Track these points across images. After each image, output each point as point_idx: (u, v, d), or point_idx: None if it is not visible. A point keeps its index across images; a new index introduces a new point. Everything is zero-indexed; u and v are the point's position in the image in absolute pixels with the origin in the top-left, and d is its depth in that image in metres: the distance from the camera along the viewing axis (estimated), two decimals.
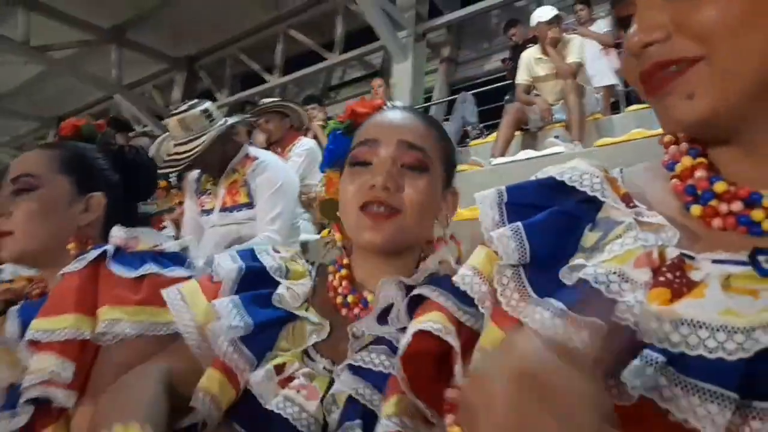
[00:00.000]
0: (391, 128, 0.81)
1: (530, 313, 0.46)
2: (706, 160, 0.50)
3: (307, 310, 0.81)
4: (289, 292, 0.81)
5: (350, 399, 0.68)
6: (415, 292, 0.68)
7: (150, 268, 0.95)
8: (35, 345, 0.87)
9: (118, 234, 1.01)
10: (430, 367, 0.57)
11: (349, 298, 0.82)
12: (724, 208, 0.46)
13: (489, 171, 3.20)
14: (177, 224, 2.63)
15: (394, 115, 0.84)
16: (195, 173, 2.36)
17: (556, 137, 3.59)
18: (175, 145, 2.15)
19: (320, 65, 7.44)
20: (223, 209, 2.23)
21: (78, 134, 1.18)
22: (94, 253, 0.96)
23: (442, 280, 0.67)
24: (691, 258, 0.44)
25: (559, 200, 0.53)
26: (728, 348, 0.38)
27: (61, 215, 1.02)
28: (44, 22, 7.01)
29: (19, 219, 0.99)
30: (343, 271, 0.85)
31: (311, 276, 0.87)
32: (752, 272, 0.41)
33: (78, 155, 1.09)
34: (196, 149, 2.11)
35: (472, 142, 4.64)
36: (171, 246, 1.04)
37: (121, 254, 0.98)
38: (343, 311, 0.82)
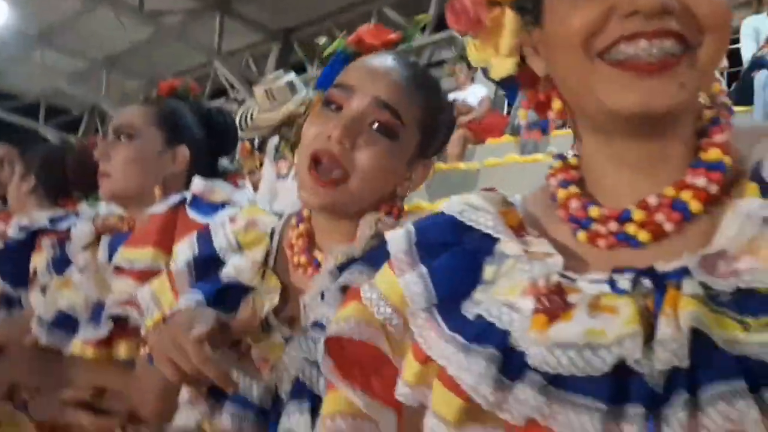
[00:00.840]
0: (371, 79, 0.75)
1: (439, 349, 0.49)
2: (578, 189, 0.52)
3: (263, 276, 0.79)
4: (236, 269, 0.79)
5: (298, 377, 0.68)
6: (341, 281, 0.65)
7: None
8: (119, 270, 1.01)
9: (197, 184, 1.13)
10: (363, 354, 0.56)
11: (302, 259, 0.78)
12: (603, 229, 0.49)
13: None
14: (255, 186, 2.81)
15: (381, 64, 0.77)
16: (275, 139, 2.51)
17: None
18: (259, 113, 2.31)
19: (411, 44, 7.45)
20: None
21: (173, 94, 1.32)
22: (175, 199, 1.09)
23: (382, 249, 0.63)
24: (573, 280, 0.47)
25: (463, 236, 0.55)
26: (594, 364, 0.41)
27: (151, 163, 1.16)
28: None
29: (117, 163, 1.14)
30: (302, 227, 0.80)
31: (272, 236, 0.84)
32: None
33: (171, 112, 1.22)
34: (277, 118, 2.26)
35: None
36: (242, 200, 1.15)
37: (198, 202, 1.10)
38: (300, 272, 0.79)
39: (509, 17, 0.53)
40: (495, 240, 0.53)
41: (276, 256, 0.82)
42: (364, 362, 0.56)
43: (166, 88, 1.32)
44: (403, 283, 0.54)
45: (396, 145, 0.75)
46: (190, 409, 0.77)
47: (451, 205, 0.57)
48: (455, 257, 0.54)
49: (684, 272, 0.43)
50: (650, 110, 0.44)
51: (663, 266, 0.44)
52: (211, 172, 1.23)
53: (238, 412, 0.73)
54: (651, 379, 0.40)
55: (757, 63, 3.76)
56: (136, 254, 1.01)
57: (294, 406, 0.68)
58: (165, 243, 1.03)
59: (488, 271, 0.52)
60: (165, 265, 1.00)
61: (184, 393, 0.78)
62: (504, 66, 0.55)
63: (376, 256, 0.62)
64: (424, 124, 0.78)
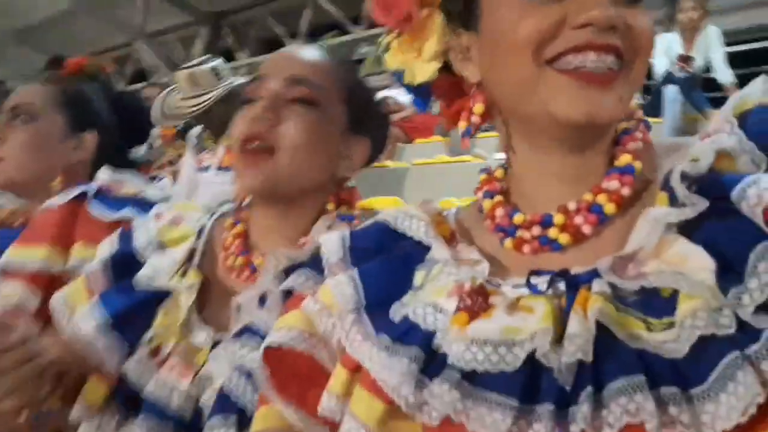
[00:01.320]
0: (281, 63, 0.76)
1: (364, 351, 0.49)
2: (503, 198, 0.54)
3: (184, 274, 0.75)
4: (153, 270, 0.75)
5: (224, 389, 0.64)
6: (284, 286, 0.61)
7: (128, 213, 0.97)
8: (7, 272, 0.90)
9: (104, 175, 1.03)
10: (302, 367, 0.54)
11: (238, 261, 0.75)
12: (527, 235, 0.51)
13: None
14: (175, 177, 2.67)
15: (291, 50, 0.80)
16: (198, 129, 2.40)
17: None
18: (181, 99, 2.18)
19: (344, 38, 7.40)
20: (221, 168, 2.27)
21: (81, 73, 1.20)
22: (76, 191, 0.98)
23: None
24: (498, 285, 0.49)
25: (396, 243, 0.56)
26: (508, 360, 0.43)
27: (52, 150, 1.05)
28: None
29: (11, 147, 1.02)
30: (239, 228, 0.78)
31: (201, 234, 0.80)
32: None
33: (77, 94, 1.11)
34: (200, 106, 2.14)
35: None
36: (154, 194, 1.06)
37: (104, 195, 1.00)
38: (233, 274, 0.76)
39: (438, 20, 0.53)
40: (427, 248, 0.54)
41: (203, 254, 0.78)
42: (303, 375, 0.54)
43: (73, 66, 1.20)
44: (333, 284, 0.54)
45: (321, 114, 0.74)
46: (92, 422, 0.72)
47: (386, 213, 0.58)
48: (387, 263, 0.54)
49: (596, 274, 0.45)
50: (594, 120, 0.46)
51: (577, 269, 0.46)
52: (122, 162, 1.13)
53: (153, 424, 0.68)
54: (560, 376, 0.41)
55: (668, 79, 4.01)
56: (28, 254, 0.90)
57: (218, 420, 0.63)
58: (62, 241, 0.92)
59: (418, 276, 0.53)
60: (62, 265, 0.91)
61: (77, 408, 0.72)
62: (425, 71, 0.54)
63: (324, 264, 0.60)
64: (348, 99, 0.77)
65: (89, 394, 0.72)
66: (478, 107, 0.53)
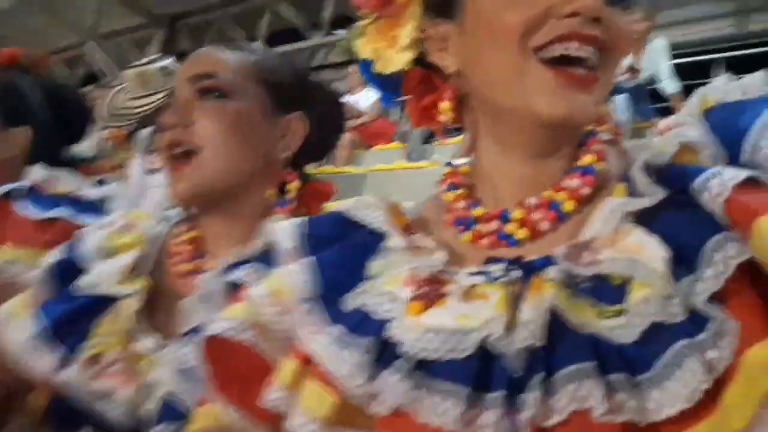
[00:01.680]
0: (184, 68, 0.76)
1: (316, 342, 0.48)
2: (465, 191, 0.54)
3: (132, 281, 0.73)
4: (97, 276, 0.72)
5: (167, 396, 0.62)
6: (230, 278, 0.60)
7: (61, 212, 0.93)
8: None
9: (36, 173, 0.98)
10: (243, 361, 0.53)
11: (188, 267, 0.73)
12: (485, 229, 0.51)
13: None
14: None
15: (193, 54, 0.78)
16: (148, 130, 2.32)
17: None
18: (130, 99, 2.11)
19: (303, 44, 7.37)
20: None
21: (15, 65, 1.14)
22: (5, 189, 0.93)
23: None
24: (453, 275, 0.49)
25: (352, 232, 0.55)
26: (460, 348, 0.43)
27: None
28: None
29: None
30: (191, 234, 0.76)
31: (154, 240, 0.78)
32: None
33: (8, 86, 1.06)
34: (150, 106, 2.07)
35: (438, 142, 4.66)
36: (91, 193, 1.01)
37: (36, 194, 0.95)
38: (183, 280, 0.74)
39: (416, 8, 0.53)
40: (382, 237, 0.53)
41: (157, 261, 0.77)
42: (244, 372, 0.52)
43: (5, 56, 1.13)
44: (286, 272, 0.53)
45: (235, 102, 0.72)
46: None
47: (342, 203, 0.58)
48: (342, 251, 0.54)
49: (550, 261, 0.46)
50: (572, 120, 0.47)
51: (532, 256, 0.47)
52: (58, 159, 1.07)
53: None
54: (512, 363, 0.41)
55: (616, 89, 4.16)
56: None
57: (161, 429, 0.61)
58: None
59: (374, 265, 0.52)
60: None
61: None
62: (399, 60, 0.54)
63: (275, 257, 0.57)
64: (266, 80, 0.75)
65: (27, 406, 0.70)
66: (445, 105, 0.53)
